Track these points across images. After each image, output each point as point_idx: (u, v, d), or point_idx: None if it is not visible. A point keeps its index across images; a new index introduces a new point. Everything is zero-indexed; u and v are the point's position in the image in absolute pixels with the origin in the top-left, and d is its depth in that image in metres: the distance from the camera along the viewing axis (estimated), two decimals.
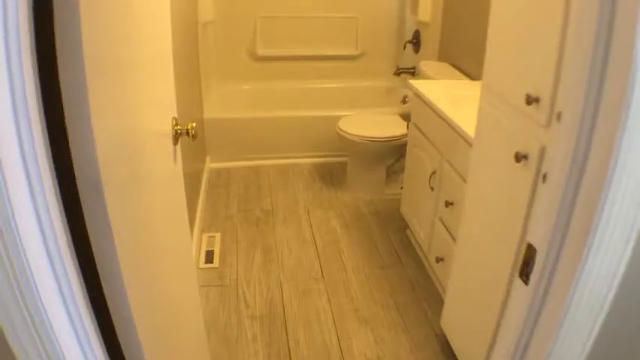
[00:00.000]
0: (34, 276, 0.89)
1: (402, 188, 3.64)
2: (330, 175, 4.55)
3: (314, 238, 3.63)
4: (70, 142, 0.96)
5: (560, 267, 1.09)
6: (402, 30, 5.24)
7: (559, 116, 1.56)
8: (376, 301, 3.04)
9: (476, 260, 2.22)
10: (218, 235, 3.61)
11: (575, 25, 1.02)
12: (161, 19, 1.61)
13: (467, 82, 3.53)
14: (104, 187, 1.02)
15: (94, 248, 1.06)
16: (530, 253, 1.18)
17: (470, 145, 2.32)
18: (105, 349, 1.12)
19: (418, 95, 3.11)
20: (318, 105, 5.13)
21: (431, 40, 4.45)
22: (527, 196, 1.75)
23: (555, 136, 1.57)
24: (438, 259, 2.90)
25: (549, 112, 1.63)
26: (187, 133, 1.68)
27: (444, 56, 4.22)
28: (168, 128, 1.64)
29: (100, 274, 1.09)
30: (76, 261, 1.00)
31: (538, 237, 1.14)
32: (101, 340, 1.11)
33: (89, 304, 1.05)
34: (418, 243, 3.37)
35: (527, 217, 1.77)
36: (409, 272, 3.29)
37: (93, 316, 1.07)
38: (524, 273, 1.20)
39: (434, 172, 2.91)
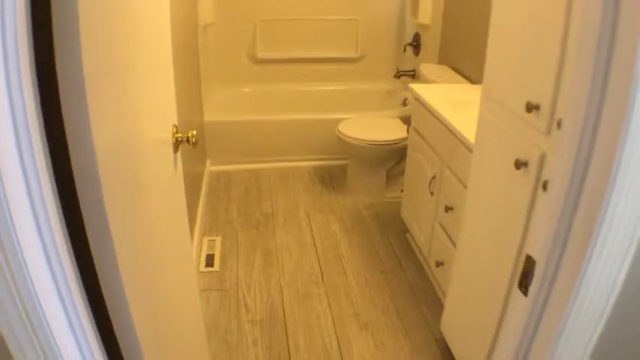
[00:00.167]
0: (33, 280, 0.89)
1: (402, 191, 3.64)
2: (330, 178, 4.55)
3: (314, 241, 3.63)
4: (69, 148, 0.96)
5: (560, 278, 1.09)
6: (402, 32, 5.25)
7: (559, 124, 1.56)
8: (376, 305, 3.05)
9: (476, 266, 2.22)
10: (218, 239, 3.62)
11: (578, 32, 1.02)
12: (161, 28, 1.61)
13: (467, 85, 3.54)
14: (104, 193, 1.02)
15: (93, 253, 1.06)
16: (529, 265, 1.18)
17: (470, 150, 2.32)
18: (105, 354, 1.12)
19: (418, 99, 3.11)
20: (319, 108, 5.13)
21: (431, 43, 4.45)
22: (526, 204, 1.76)
23: (556, 145, 1.58)
24: (438, 264, 2.90)
25: (549, 119, 1.63)
26: (188, 140, 1.69)
27: (444, 59, 4.22)
28: (168, 136, 1.64)
29: (99, 278, 1.09)
30: (76, 265, 1.00)
31: (537, 248, 1.14)
32: (101, 344, 1.11)
33: (89, 308, 1.05)
34: (418, 247, 3.37)
35: (527, 224, 1.77)
36: (409, 276, 3.29)
37: (92, 320, 1.07)
38: (524, 284, 1.20)
39: (434, 177, 2.91)
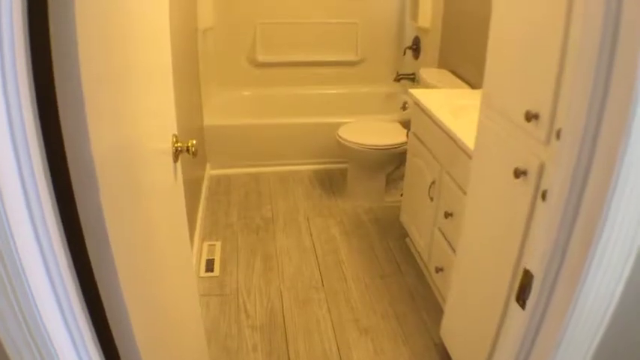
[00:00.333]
0: (32, 287, 0.90)
1: (401, 195, 3.65)
2: (330, 182, 4.55)
3: (314, 246, 3.64)
4: (67, 156, 0.96)
5: (557, 292, 1.09)
6: (402, 36, 5.25)
7: (558, 134, 1.57)
8: (376, 310, 3.05)
9: (475, 273, 2.23)
10: (218, 244, 3.62)
11: (578, 42, 1.01)
12: (161, 39, 1.62)
13: (467, 90, 3.53)
14: (102, 201, 1.02)
15: (92, 260, 1.06)
16: (527, 279, 1.18)
17: (470, 157, 2.32)
18: None
19: (418, 105, 3.11)
20: (318, 111, 5.14)
21: (431, 47, 4.45)
22: (525, 213, 1.76)
23: (555, 154, 1.58)
24: (438, 269, 2.90)
25: (549, 129, 1.63)
26: (187, 150, 1.69)
27: (443, 63, 4.22)
28: (168, 145, 1.65)
29: (98, 284, 1.09)
30: (74, 272, 1.01)
31: (535, 263, 1.14)
32: (100, 351, 1.11)
33: (87, 314, 1.05)
34: (418, 252, 3.37)
35: (526, 233, 1.78)
36: (409, 281, 3.29)
37: (91, 326, 1.07)
38: (521, 298, 1.21)
39: (433, 182, 2.91)
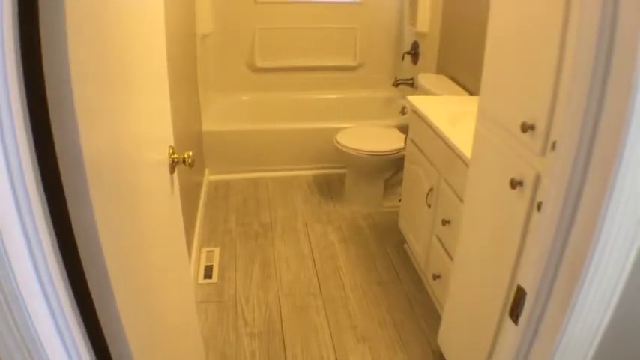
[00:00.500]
0: (25, 297, 0.90)
1: (400, 201, 3.65)
2: (329, 188, 4.55)
3: (312, 252, 3.64)
4: (60, 166, 0.96)
5: (550, 308, 1.10)
6: (401, 41, 5.26)
7: (554, 145, 1.57)
8: (373, 317, 3.05)
9: (472, 282, 2.23)
10: (217, 250, 3.62)
11: (573, 55, 1.02)
12: (157, 52, 1.62)
13: (466, 97, 3.54)
14: (95, 213, 1.02)
15: (85, 271, 1.06)
16: (519, 295, 1.18)
17: (467, 165, 2.32)
18: None
19: (415, 112, 3.11)
20: (317, 116, 5.14)
21: (429, 52, 4.46)
22: (521, 224, 1.76)
23: (550, 166, 1.58)
24: (435, 277, 2.90)
25: (544, 140, 1.64)
26: (184, 161, 1.69)
27: (442, 69, 4.22)
28: (164, 157, 1.65)
29: (90, 292, 1.09)
30: (67, 282, 1.01)
31: (528, 279, 1.15)
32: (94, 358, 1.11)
33: (80, 320, 1.06)
34: (416, 258, 3.37)
35: (522, 245, 1.78)
36: (406, 288, 3.29)
37: (84, 332, 1.07)
38: (514, 313, 1.21)
39: (431, 190, 2.92)
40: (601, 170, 0.97)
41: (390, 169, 4.06)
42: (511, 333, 1.23)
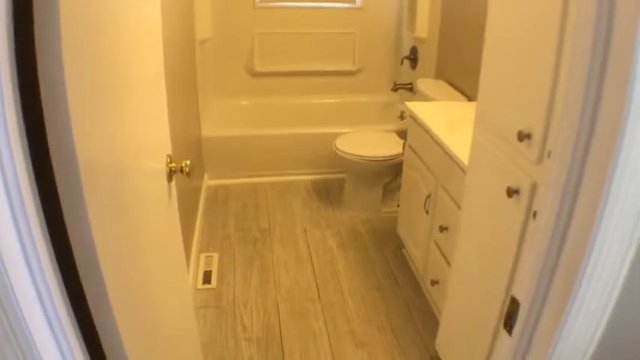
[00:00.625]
0: (21, 306, 0.91)
1: (398, 206, 3.65)
2: (328, 192, 4.56)
3: (311, 257, 3.64)
4: (55, 176, 0.97)
5: (543, 321, 1.10)
6: (400, 46, 5.27)
7: (550, 155, 1.58)
8: (372, 322, 3.05)
9: (469, 288, 2.23)
10: (216, 255, 3.62)
11: (569, 65, 1.02)
12: (154, 61, 1.62)
13: (464, 103, 3.54)
14: (91, 222, 1.03)
15: (82, 280, 1.06)
16: (513, 306, 1.19)
17: (465, 172, 2.32)
18: None
19: (414, 118, 3.12)
20: (316, 121, 5.15)
21: (428, 57, 4.47)
22: (518, 232, 1.77)
23: (544, 178, 1.59)
24: (433, 282, 2.91)
25: (541, 149, 1.64)
26: (182, 170, 1.70)
27: (440, 74, 4.23)
28: (162, 166, 1.66)
29: (87, 299, 1.09)
30: (64, 290, 1.01)
31: (522, 291, 1.15)
32: None
33: (78, 330, 1.06)
34: (414, 264, 3.38)
35: (518, 253, 1.78)
36: (405, 293, 3.30)
37: (82, 341, 1.07)
38: (508, 324, 1.22)
39: (429, 196, 2.92)
40: (596, 178, 0.98)
41: (388, 175, 4.06)
42: (505, 343, 1.24)
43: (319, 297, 3.26)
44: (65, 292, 1.01)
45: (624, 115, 0.89)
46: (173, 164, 1.69)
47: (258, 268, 3.52)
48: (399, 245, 3.70)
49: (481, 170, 2.06)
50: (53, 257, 0.97)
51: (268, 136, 4.68)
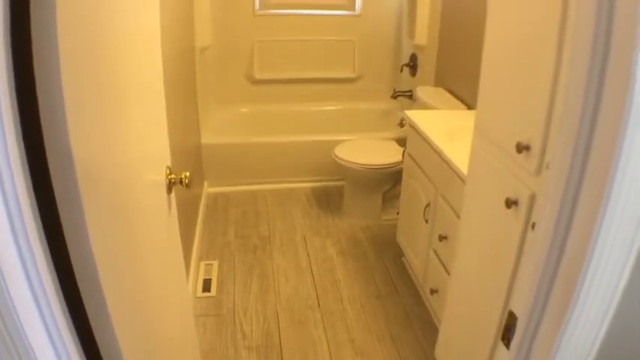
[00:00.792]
0: (21, 317, 0.91)
1: (397, 213, 3.65)
2: (327, 200, 4.56)
3: (310, 266, 3.64)
4: (51, 174, 0.97)
5: (541, 335, 1.10)
6: (399, 53, 5.28)
7: (549, 166, 1.58)
8: (372, 331, 3.05)
9: (469, 297, 2.24)
10: (216, 263, 3.63)
11: (567, 77, 1.02)
12: (153, 73, 1.63)
13: (463, 112, 3.54)
14: (91, 235, 1.03)
15: (81, 291, 1.07)
16: (511, 320, 1.19)
17: (464, 182, 2.33)
18: None
19: (413, 127, 3.12)
20: (316, 128, 5.15)
21: (427, 64, 4.48)
22: (516, 243, 1.77)
23: (543, 190, 1.59)
24: (433, 291, 2.91)
25: (539, 160, 1.65)
26: (181, 182, 1.70)
27: (440, 81, 4.24)
28: (161, 177, 1.66)
29: (85, 308, 1.09)
30: (62, 296, 1.01)
31: (520, 305, 1.15)
32: None
33: (77, 339, 1.06)
34: (414, 272, 3.38)
35: (517, 264, 1.78)
36: (405, 301, 3.30)
37: (81, 350, 1.08)
38: (506, 337, 1.22)
39: (428, 205, 2.92)
40: (594, 189, 0.98)
41: (388, 182, 4.07)
42: (503, 356, 1.24)
43: (319, 305, 3.26)
44: (64, 302, 1.01)
45: (622, 126, 0.90)
46: (173, 176, 1.70)
47: (258, 275, 3.53)
48: (399, 253, 3.70)
49: (480, 181, 2.07)
50: (52, 266, 0.98)
51: (268, 143, 4.69)
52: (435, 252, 2.86)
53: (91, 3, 1.10)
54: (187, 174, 1.71)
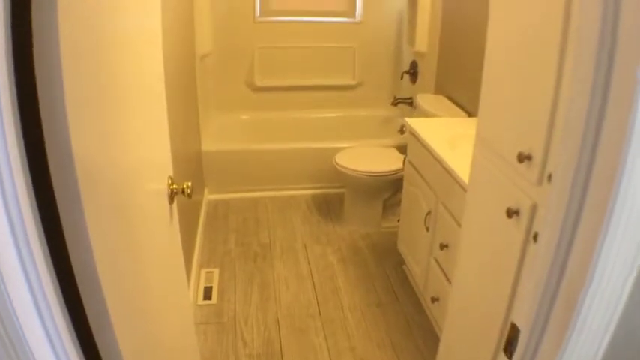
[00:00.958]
0: (21, 323, 0.91)
1: (398, 221, 3.65)
2: (328, 207, 4.56)
3: (311, 273, 3.64)
4: (58, 209, 0.97)
5: (543, 348, 1.10)
6: (400, 60, 5.29)
7: (550, 178, 1.58)
8: (372, 339, 3.05)
9: (470, 307, 2.23)
10: (216, 271, 3.62)
11: (570, 90, 1.02)
12: (155, 84, 1.63)
13: (464, 119, 3.54)
14: (94, 246, 1.03)
15: (83, 300, 1.07)
16: (513, 332, 1.19)
17: (465, 190, 2.33)
18: None
19: (414, 135, 3.13)
20: (316, 135, 5.16)
21: (428, 71, 4.48)
22: (517, 253, 1.76)
23: (546, 197, 1.59)
24: (434, 300, 2.91)
25: (541, 171, 1.64)
26: (183, 192, 1.71)
27: (440, 88, 4.24)
28: (163, 187, 1.66)
29: (87, 315, 1.09)
30: (63, 303, 1.01)
31: (522, 316, 1.15)
32: None
33: (78, 347, 1.06)
34: (415, 280, 3.38)
35: (518, 274, 1.78)
36: (405, 309, 3.30)
37: (82, 356, 1.07)
38: (508, 350, 1.22)
39: (429, 213, 2.92)
40: (597, 204, 0.97)
41: (388, 190, 4.07)
42: None
43: (320, 313, 3.26)
44: (64, 305, 1.01)
45: (627, 139, 0.89)
46: (175, 186, 1.70)
47: (259, 283, 3.53)
48: (400, 261, 3.70)
49: (481, 190, 2.06)
50: (52, 268, 0.98)
51: (268, 150, 4.69)
52: (436, 260, 2.86)
53: (92, 6, 1.10)
54: (189, 184, 1.71)
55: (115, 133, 1.24)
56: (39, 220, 0.93)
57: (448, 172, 2.60)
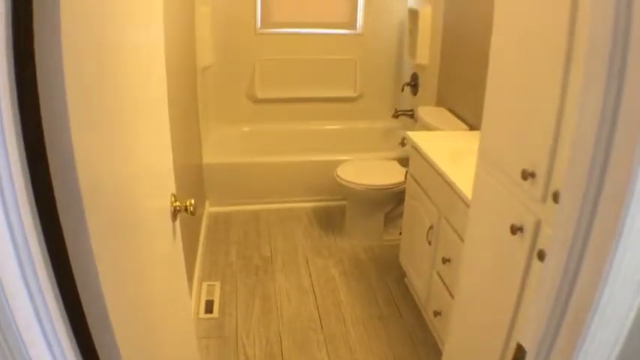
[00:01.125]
0: (20, 329, 0.90)
1: (400, 234, 3.65)
2: (329, 220, 4.56)
3: (313, 287, 3.63)
4: (61, 223, 0.97)
5: None
6: (400, 72, 5.29)
7: (555, 195, 1.58)
8: (374, 352, 3.04)
9: (473, 322, 2.23)
10: (218, 284, 3.61)
11: (579, 107, 1.00)
12: (158, 101, 1.63)
13: (466, 132, 3.54)
14: (98, 266, 1.03)
15: (86, 312, 1.07)
16: (519, 353, 1.18)
17: (468, 205, 2.32)
18: None
19: (416, 149, 3.12)
20: (317, 147, 5.16)
21: (429, 84, 4.48)
22: (521, 270, 1.76)
23: (551, 213, 1.59)
24: (436, 314, 2.90)
25: (545, 188, 1.64)
26: (186, 209, 1.70)
27: (441, 101, 4.24)
28: (166, 205, 1.66)
29: (89, 327, 1.09)
30: (65, 315, 1.01)
31: (529, 338, 1.15)
32: None
33: (79, 355, 1.05)
34: (417, 293, 3.37)
35: (521, 291, 1.78)
36: (407, 323, 3.29)
37: None
38: None
39: (431, 227, 2.92)
40: (607, 221, 0.97)
41: (390, 203, 4.07)
42: None
43: (322, 326, 3.25)
44: (65, 314, 1.01)
45: (637, 159, 0.88)
46: (178, 203, 1.70)
47: (260, 297, 3.52)
48: (402, 274, 3.69)
49: (484, 206, 2.06)
50: (52, 276, 0.97)
51: (269, 163, 4.69)
52: (439, 274, 2.85)
53: (96, 16, 1.09)
54: (192, 201, 1.70)
55: (118, 145, 1.23)
56: (39, 227, 0.93)
57: (450, 186, 2.60)
